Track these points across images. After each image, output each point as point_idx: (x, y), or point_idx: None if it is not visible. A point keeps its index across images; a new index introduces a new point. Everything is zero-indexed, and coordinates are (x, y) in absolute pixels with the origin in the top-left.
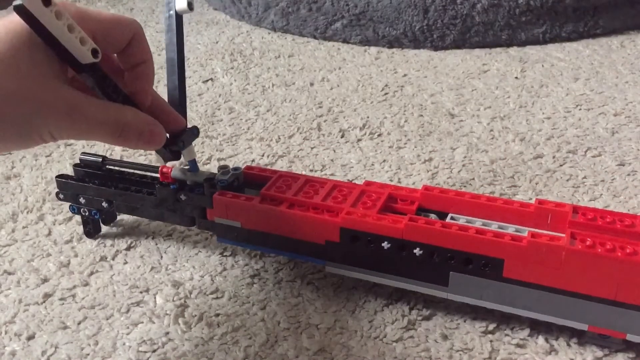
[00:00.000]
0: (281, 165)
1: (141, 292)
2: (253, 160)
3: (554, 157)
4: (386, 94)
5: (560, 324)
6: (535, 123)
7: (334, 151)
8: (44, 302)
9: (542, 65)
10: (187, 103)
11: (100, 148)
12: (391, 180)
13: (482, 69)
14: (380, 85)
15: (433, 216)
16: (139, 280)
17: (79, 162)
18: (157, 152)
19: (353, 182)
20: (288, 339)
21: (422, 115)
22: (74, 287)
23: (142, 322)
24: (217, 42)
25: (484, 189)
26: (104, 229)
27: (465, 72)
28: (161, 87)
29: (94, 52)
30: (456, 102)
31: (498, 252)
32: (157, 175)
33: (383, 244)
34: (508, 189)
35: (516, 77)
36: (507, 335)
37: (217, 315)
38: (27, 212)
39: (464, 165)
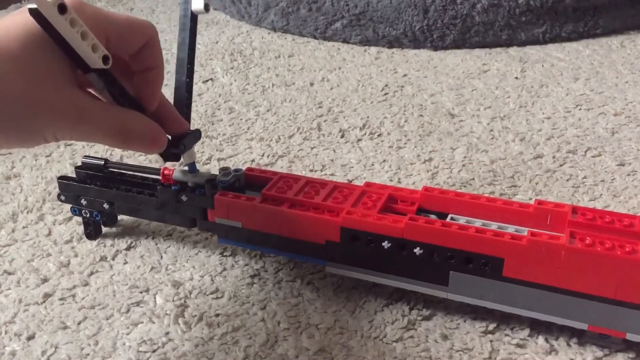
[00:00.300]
0: (281, 165)
1: (141, 292)
2: (253, 161)
3: (554, 157)
4: (386, 94)
5: (560, 324)
6: (535, 123)
7: (334, 151)
8: (44, 302)
9: (542, 65)
10: None
11: (100, 148)
12: (391, 180)
13: (482, 69)
14: (380, 85)
15: (433, 217)
16: (139, 280)
17: (79, 163)
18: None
19: (353, 182)
20: (288, 339)
21: (422, 115)
22: (74, 287)
23: (142, 322)
24: (217, 42)
25: (484, 189)
26: (104, 229)
27: (465, 72)
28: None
29: (105, 59)
30: (456, 102)
31: (498, 251)
32: (159, 177)
33: (383, 244)
34: (508, 189)
35: (516, 77)
36: (507, 335)
37: (217, 315)
38: (27, 212)
39: (464, 165)
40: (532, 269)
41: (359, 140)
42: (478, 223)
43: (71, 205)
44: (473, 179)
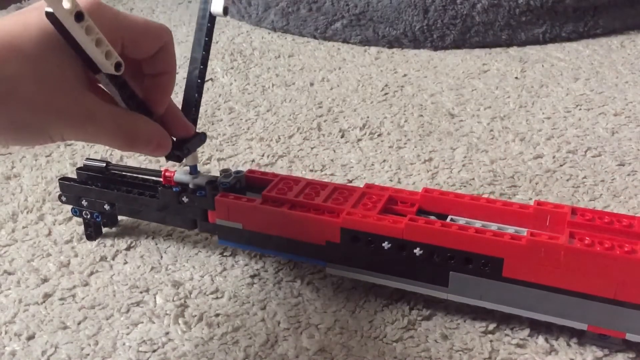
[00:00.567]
0: (281, 165)
1: (141, 292)
2: (253, 161)
3: (554, 157)
4: (386, 94)
5: (559, 324)
6: (535, 123)
7: (334, 151)
8: (44, 302)
9: (542, 65)
10: None
11: (101, 147)
12: (391, 181)
13: (482, 69)
14: (380, 85)
15: (433, 218)
16: (139, 280)
17: (79, 163)
18: None
19: (353, 182)
20: (288, 339)
21: (422, 115)
22: (74, 287)
23: (142, 322)
24: (217, 42)
25: (484, 189)
26: (104, 230)
27: (465, 72)
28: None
29: (117, 66)
30: (456, 102)
31: (498, 251)
32: (160, 178)
33: (383, 244)
34: (508, 189)
35: (516, 77)
36: (507, 335)
37: (217, 315)
38: (27, 212)
39: (464, 165)
40: (531, 269)
41: (359, 140)
42: (478, 224)
43: (72, 206)
44: (473, 179)
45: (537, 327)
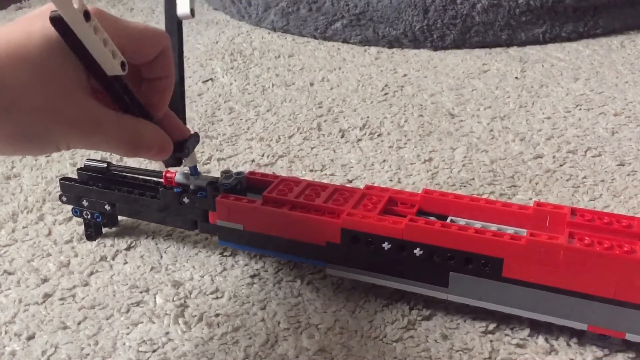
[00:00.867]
0: (281, 165)
1: (141, 292)
2: (253, 161)
3: (554, 157)
4: (386, 94)
5: (559, 324)
6: (535, 123)
7: (334, 151)
8: (44, 302)
9: (542, 65)
10: (187, 103)
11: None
12: (391, 180)
13: (482, 69)
14: (380, 85)
15: (433, 219)
16: (139, 280)
17: (79, 163)
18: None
19: (353, 182)
20: (288, 339)
21: (422, 115)
22: (74, 287)
23: (142, 322)
24: (217, 42)
25: (484, 189)
26: (104, 230)
27: (465, 72)
28: None
29: (122, 65)
30: (456, 102)
31: (497, 251)
32: (161, 179)
33: (383, 245)
34: (508, 189)
35: (516, 77)
36: (507, 335)
37: (217, 315)
38: (27, 212)
39: (464, 165)
40: (531, 270)
41: (359, 140)
42: (477, 225)
43: (72, 206)
44: (473, 179)
45: (537, 327)
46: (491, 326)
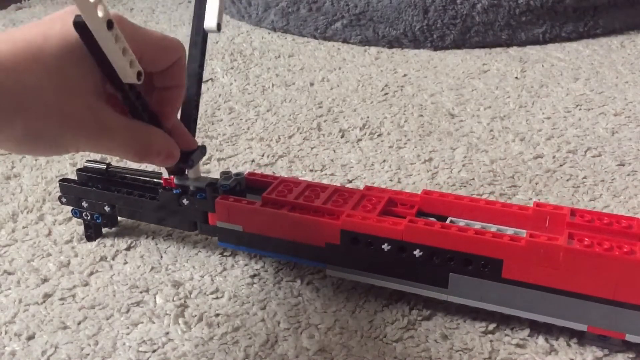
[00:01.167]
0: (281, 165)
1: (141, 292)
2: (253, 161)
3: (554, 157)
4: (386, 94)
5: (559, 325)
6: (535, 123)
7: (334, 151)
8: (44, 302)
9: (542, 65)
10: None
11: None
12: (391, 181)
13: (482, 69)
14: (380, 85)
15: (433, 220)
16: (139, 280)
17: (79, 164)
18: (164, 167)
19: (353, 182)
20: (288, 339)
21: (422, 115)
22: (74, 287)
23: (142, 322)
24: (217, 42)
25: (484, 189)
26: (104, 230)
27: (465, 72)
28: None
29: (139, 75)
30: (456, 102)
31: (497, 252)
32: (160, 180)
33: (383, 246)
34: (508, 189)
35: (516, 77)
36: (507, 335)
37: (217, 315)
38: (27, 212)
39: (464, 165)
40: (531, 270)
41: (359, 140)
42: (477, 226)
43: (72, 207)
44: (473, 179)
45: (537, 327)
46: (491, 326)
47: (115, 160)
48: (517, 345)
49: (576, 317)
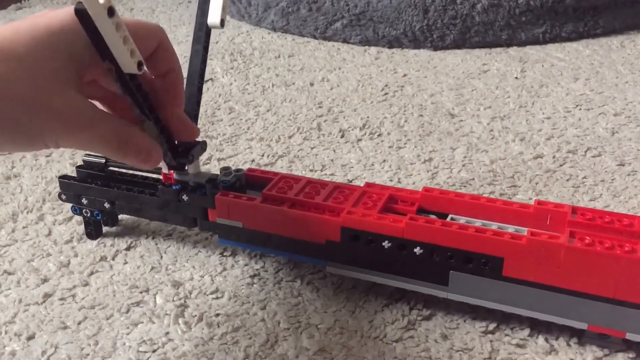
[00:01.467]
0: (281, 165)
1: (141, 292)
2: (253, 161)
3: (554, 157)
4: (386, 94)
5: (560, 323)
6: (535, 123)
7: (334, 151)
8: (44, 302)
9: (542, 65)
10: None
11: None
12: (391, 180)
13: (482, 69)
14: (380, 85)
15: (433, 217)
16: (139, 280)
17: (79, 163)
18: (164, 161)
19: (353, 182)
20: (288, 339)
21: (422, 115)
22: (74, 287)
23: (142, 322)
24: (217, 42)
25: (484, 189)
26: (104, 229)
27: (465, 72)
28: None
29: (139, 65)
30: (456, 102)
31: (498, 250)
32: (160, 176)
33: (383, 243)
34: (508, 189)
35: (516, 77)
36: (507, 335)
37: (217, 315)
38: (27, 212)
39: (464, 165)
40: (531, 269)
41: (359, 140)
42: (478, 223)
43: (72, 204)
44: (473, 179)
45: (537, 327)
46: (491, 326)
47: None
48: (517, 345)
49: (576, 315)
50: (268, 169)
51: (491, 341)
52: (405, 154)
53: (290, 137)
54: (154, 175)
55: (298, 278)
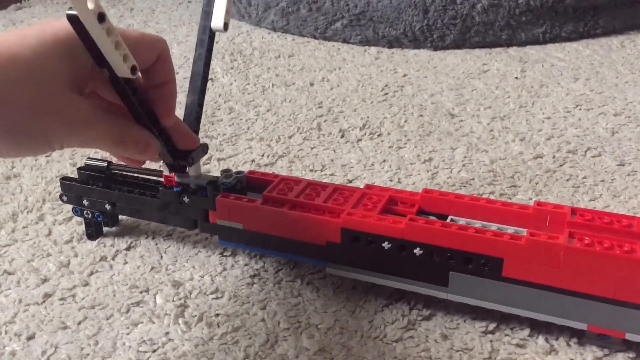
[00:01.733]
0: (281, 165)
1: (141, 292)
2: (253, 161)
3: (554, 157)
4: (386, 94)
5: (559, 324)
6: (535, 123)
7: (334, 151)
8: (44, 302)
9: (542, 65)
10: None
11: None
12: (391, 181)
13: (482, 69)
14: (380, 85)
15: (433, 219)
16: (139, 280)
17: (79, 163)
18: (165, 164)
19: (353, 182)
20: (288, 339)
21: (422, 115)
22: (74, 287)
23: (142, 322)
24: (217, 42)
25: (484, 189)
26: (105, 229)
27: (465, 72)
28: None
29: (133, 69)
30: (456, 102)
31: (497, 251)
32: (161, 178)
33: (383, 244)
34: (508, 189)
35: (516, 77)
36: (507, 335)
37: (217, 315)
38: (27, 212)
39: (464, 165)
40: (531, 269)
41: (359, 140)
42: (478, 224)
43: (73, 206)
44: (473, 179)
45: (537, 327)
46: (491, 326)
47: (115, 159)
48: (517, 345)
49: (576, 315)
50: (268, 169)
51: (491, 341)
52: (405, 154)
53: (290, 137)
54: (155, 178)
55: (298, 278)
